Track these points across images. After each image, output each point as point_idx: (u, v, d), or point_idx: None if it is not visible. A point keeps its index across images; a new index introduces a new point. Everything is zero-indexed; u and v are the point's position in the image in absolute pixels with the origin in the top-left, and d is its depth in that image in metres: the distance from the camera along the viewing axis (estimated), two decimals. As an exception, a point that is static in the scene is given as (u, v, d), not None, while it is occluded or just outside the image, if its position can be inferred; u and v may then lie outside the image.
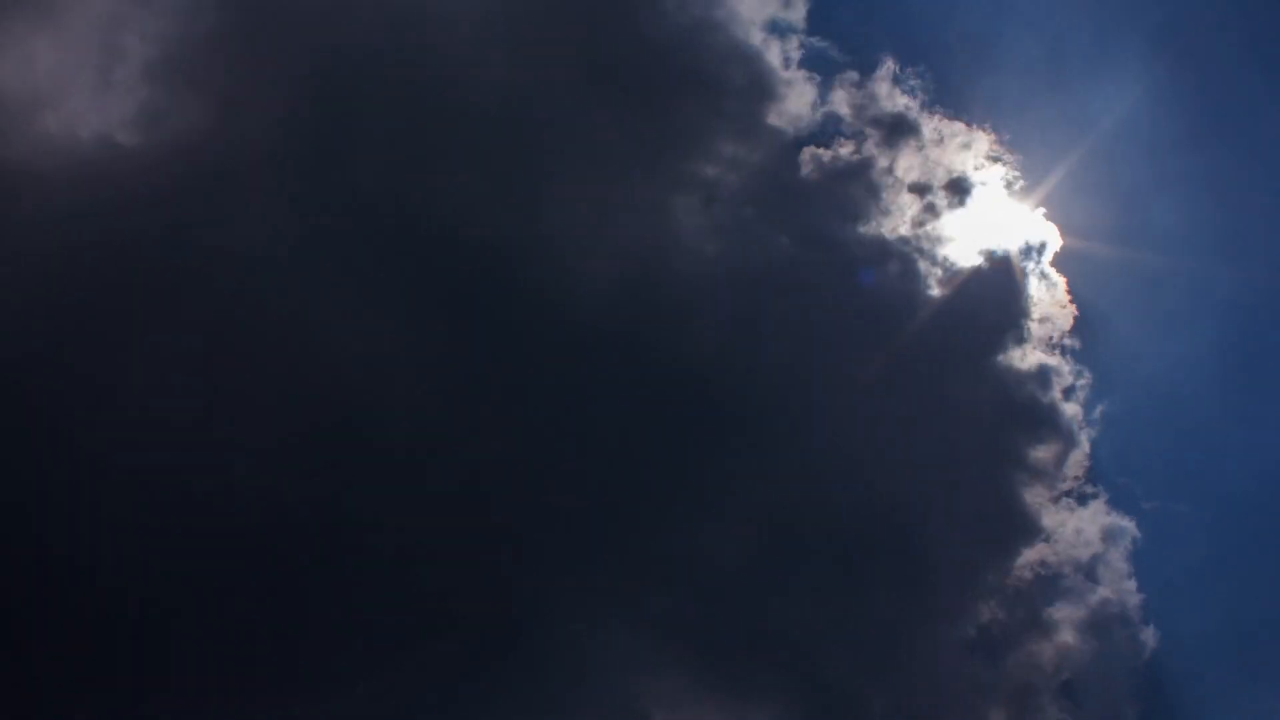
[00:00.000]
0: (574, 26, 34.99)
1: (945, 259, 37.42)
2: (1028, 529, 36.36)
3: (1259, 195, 42.01)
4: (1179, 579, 40.17)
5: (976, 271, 37.54)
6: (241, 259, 30.95)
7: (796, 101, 37.04)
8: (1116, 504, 37.95)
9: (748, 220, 36.21)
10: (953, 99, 38.42)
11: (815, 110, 37.45)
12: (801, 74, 37.28)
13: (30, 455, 29.43)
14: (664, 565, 32.90)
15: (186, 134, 31.58)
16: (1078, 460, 37.31)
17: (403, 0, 34.06)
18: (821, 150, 37.32)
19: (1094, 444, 38.18)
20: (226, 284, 30.89)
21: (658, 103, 35.84)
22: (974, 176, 38.20)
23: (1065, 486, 37.21)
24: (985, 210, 38.32)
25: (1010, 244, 37.97)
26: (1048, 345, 37.57)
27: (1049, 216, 38.49)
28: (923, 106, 38.16)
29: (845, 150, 37.62)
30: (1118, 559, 37.52)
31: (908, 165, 37.94)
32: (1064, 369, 37.68)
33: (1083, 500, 37.50)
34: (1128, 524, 37.78)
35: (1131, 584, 37.25)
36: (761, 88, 36.63)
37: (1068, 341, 37.82)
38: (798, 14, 37.39)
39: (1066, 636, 36.34)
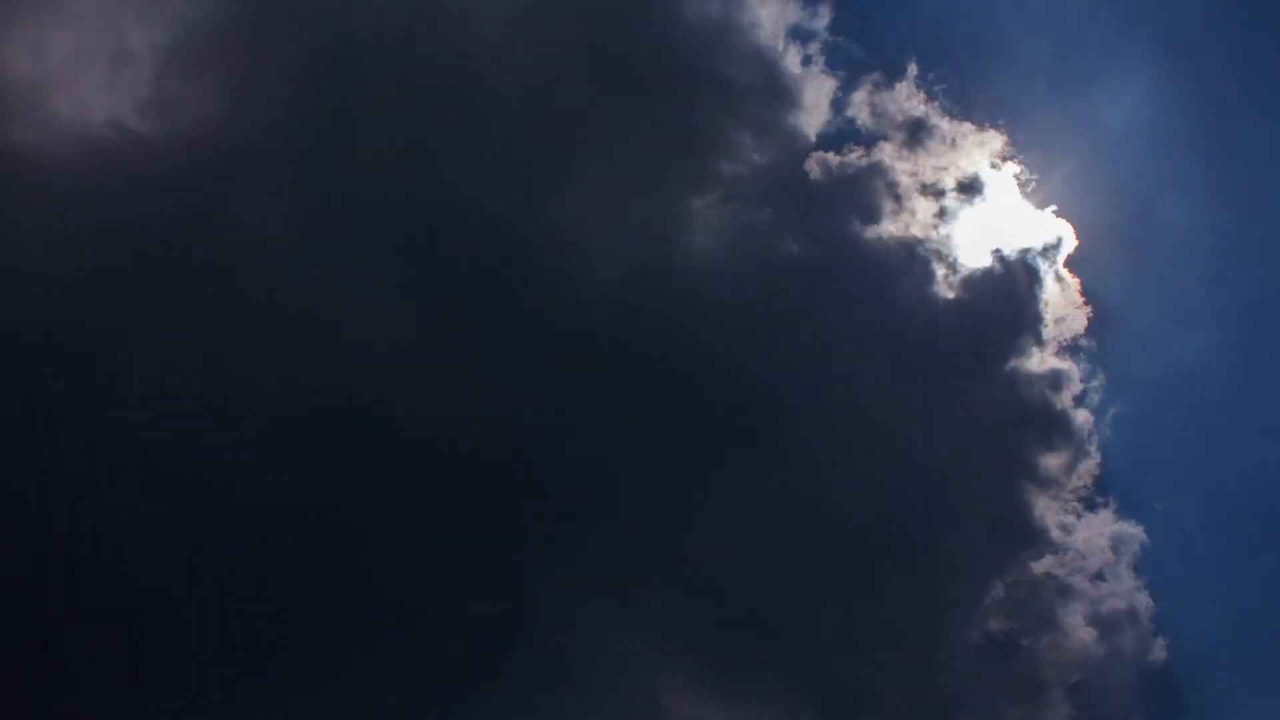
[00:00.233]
0: (589, 22, 35.02)
1: (958, 261, 37.44)
2: (1037, 534, 36.24)
3: (1272, 196, 41.86)
4: (1189, 584, 39.85)
5: (990, 273, 37.47)
6: (251, 246, 30.90)
7: (812, 103, 37.18)
8: (1127, 508, 37.83)
9: (760, 220, 36.25)
10: (966, 101, 38.50)
11: (830, 111, 37.57)
12: (817, 76, 37.44)
13: (37, 444, 29.30)
14: (672, 563, 32.85)
15: (198, 120, 31.56)
16: (1088, 464, 37.10)
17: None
18: (835, 152, 37.39)
19: (1106, 448, 38.07)
20: (236, 271, 30.80)
21: (673, 102, 35.91)
22: (987, 178, 38.18)
23: (1076, 491, 37.03)
24: (998, 212, 38.26)
25: (1024, 245, 37.85)
26: (1061, 347, 37.46)
27: (1063, 217, 38.36)
28: (936, 108, 38.24)
29: (859, 151, 37.63)
30: (1127, 563, 37.38)
31: (921, 167, 37.94)
32: (1077, 372, 37.61)
33: (1092, 505, 37.35)
34: (1137, 529, 37.63)
35: (1141, 588, 37.12)
36: (777, 89, 36.76)
37: (1082, 342, 37.78)
38: (816, 17, 37.67)
39: (1076, 640, 36.21)
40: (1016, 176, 38.18)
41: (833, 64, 37.48)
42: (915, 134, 37.91)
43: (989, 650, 35.31)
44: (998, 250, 37.51)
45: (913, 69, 38.06)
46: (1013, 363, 36.89)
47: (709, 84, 36.08)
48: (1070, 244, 37.87)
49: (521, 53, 34.21)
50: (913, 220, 37.43)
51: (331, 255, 31.78)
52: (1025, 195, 38.31)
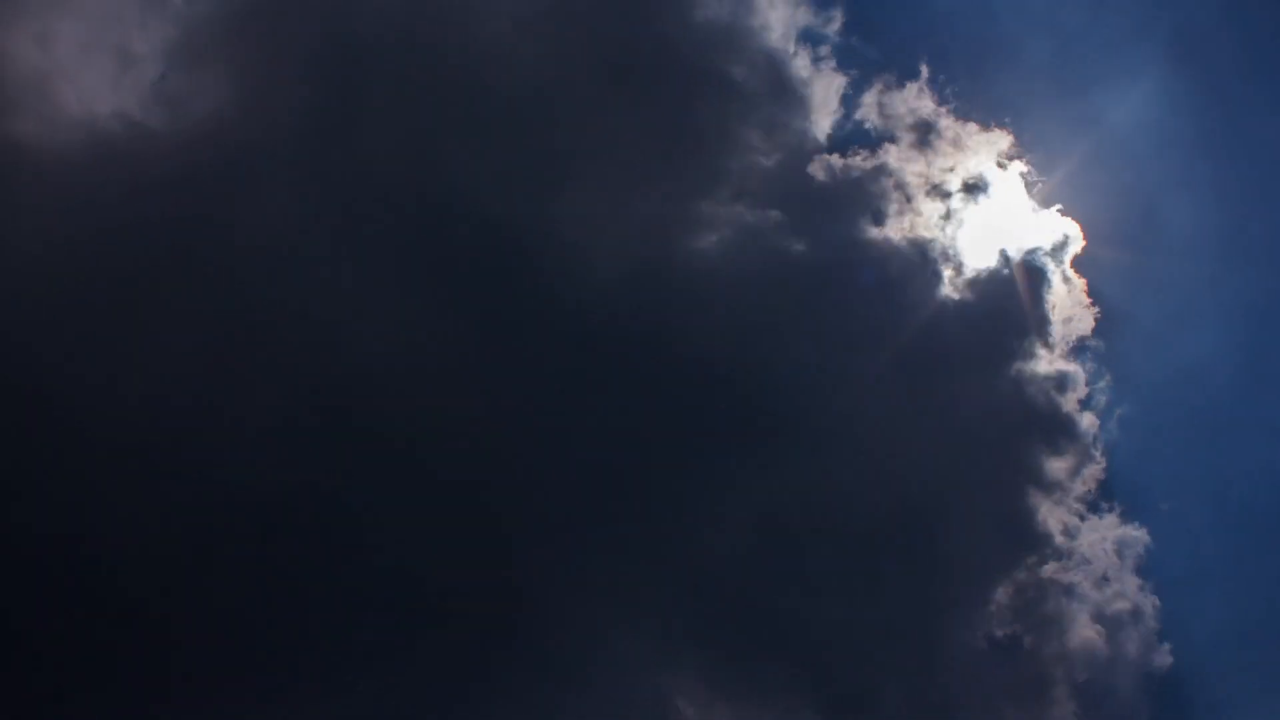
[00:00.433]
0: (597, 20, 35.03)
1: (964, 262, 37.31)
2: (1041, 537, 36.11)
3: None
4: (1195, 587, 39.70)
5: (996, 274, 37.31)
6: (254, 242, 30.83)
7: (819, 104, 37.20)
8: (1132, 511, 37.70)
9: (766, 221, 36.13)
10: (973, 101, 38.41)
11: (837, 113, 37.56)
12: (825, 77, 37.43)
13: (38, 439, 29.15)
14: (674, 562, 32.75)
15: (203, 114, 31.53)
16: (1094, 467, 36.97)
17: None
18: (842, 153, 37.36)
19: (1111, 450, 37.97)
20: (239, 267, 30.72)
21: (680, 102, 35.87)
22: (993, 178, 38.07)
23: (1081, 495, 36.88)
24: (1005, 213, 38.10)
25: (1030, 246, 37.72)
26: (1067, 348, 37.30)
27: (1070, 218, 38.18)
28: (943, 109, 38.18)
29: (866, 153, 37.59)
30: (1132, 566, 37.20)
31: (927, 168, 37.84)
32: (1083, 374, 37.49)
33: (1097, 508, 37.22)
34: (1141, 532, 37.49)
35: (1146, 591, 36.94)
36: (785, 90, 36.79)
37: (1089, 344, 37.65)
38: (825, 18, 37.73)
39: (1080, 644, 36.06)
40: (1023, 176, 38.18)
41: (841, 65, 37.63)
42: (922, 135, 37.93)
43: (993, 653, 35.22)
44: (1004, 251, 37.44)
45: (921, 70, 38.16)
46: (1019, 364, 36.81)
47: (716, 84, 36.14)
48: (1077, 244, 37.81)
49: (529, 51, 34.16)
50: (919, 221, 37.41)
51: (335, 252, 31.69)
52: (1032, 196, 38.32)
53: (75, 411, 29.78)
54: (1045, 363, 36.96)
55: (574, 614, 31.66)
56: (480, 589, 31.23)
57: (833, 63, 37.40)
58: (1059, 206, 38.13)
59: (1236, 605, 39.78)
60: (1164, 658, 36.36)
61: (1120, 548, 37.32)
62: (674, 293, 34.33)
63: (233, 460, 30.06)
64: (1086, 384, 37.43)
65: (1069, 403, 36.99)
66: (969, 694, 34.38)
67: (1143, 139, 40.86)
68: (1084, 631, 36.17)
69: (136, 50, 31.84)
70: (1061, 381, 36.96)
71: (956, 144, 37.85)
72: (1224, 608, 39.81)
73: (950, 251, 37.14)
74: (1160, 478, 40.34)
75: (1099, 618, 36.33)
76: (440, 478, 31.55)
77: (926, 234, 37.17)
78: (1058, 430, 36.73)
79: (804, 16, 37.23)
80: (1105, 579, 36.94)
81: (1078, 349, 37.49)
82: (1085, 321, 37.46)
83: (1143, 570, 37.11)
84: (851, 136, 37.57)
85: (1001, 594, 35.47)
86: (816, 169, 36.83)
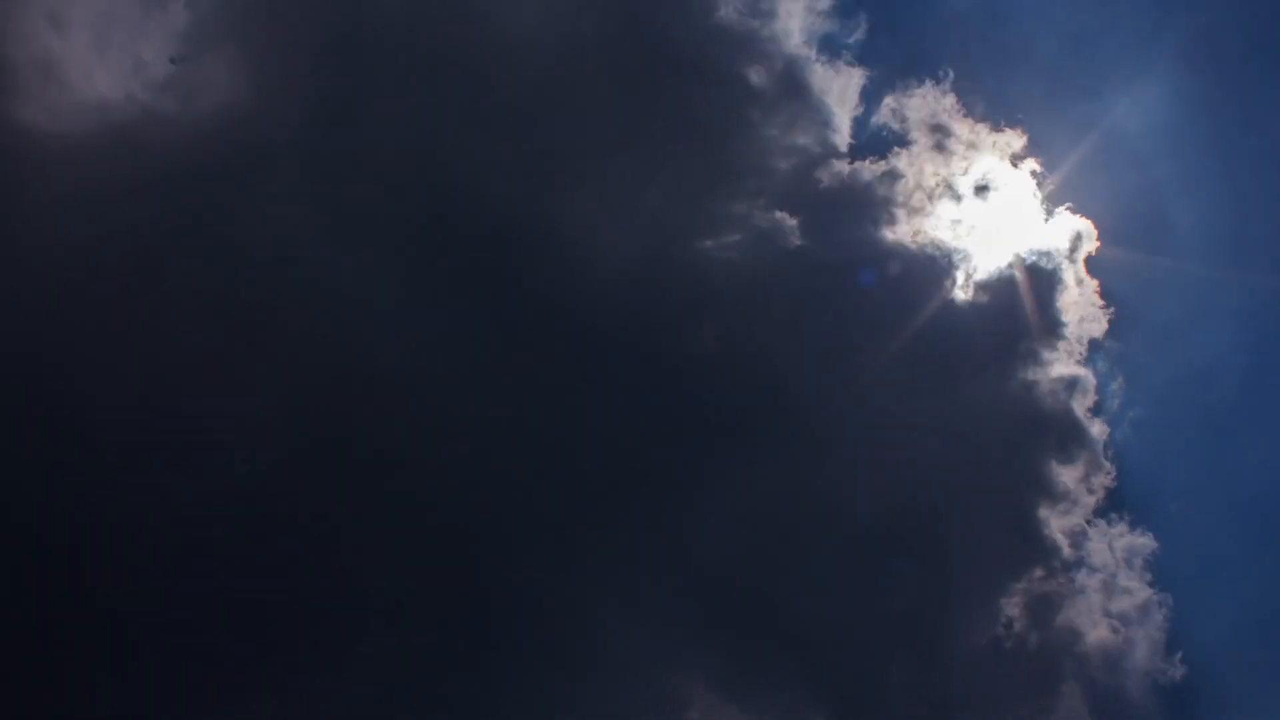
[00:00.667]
0: (614, 17, 35.02)
1: (976, 263, 37.05)
2: (1049, 541, 35.80)
3: (1293, 200, 41.56)
4: (1205, 594, 39.39)
5: (1007, 276, 37.07)
6: (262, 234, 30.79)
7: (833, 105, 37.04)
8: (1142, 516, 37.41)
9: (777, 222, 35.95)
10: (986, 102, 38.22)
11: (850, 114, 37.36)
12: (839, 78, 37.28)
13: (41, 434, 29.04)
14: (682, 560, 32.57)
15: (215, 101, 31.57)
16: (1104, 471, 36.68)
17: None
18: (854, 153, 37.28)
19: (1122, 455, 37.75)
20: (246, 258, 30.70)
21: (695, 102, 35.78)
22: (1006, 179, 37.84)
23: (1090, 500, 36.54)
24: (1017, 213, 37.87)
25: (1043, 248, 37.45)
26: (1080, 350, 37.06)
27: (1082, 219, 37.93)
28: (956, 110, 37.99)
29: (878, 153, 37.50)
30: (1142, 572, 36.91)
31: (940, 169, 37.65)
32: (1094, 376, 37.26)
33: (1106, 513, 36.94)
34: (1149, 538, 37.20)
35: (1156, 597, 36.57)
36: (799, 91, 36.70)
37: (1101, 346, 37.40)
38: (840, 21, 37.71)
39: (1089, 650, 35.73)
40: (1035, 177, 37.96)
41: (854, 67, 37.47)
42: (935, 136, 37.81)
43: (1001, 657, 34.90)
44: (1017, 253, 37.24)
45: (934, 72, 38.03)
46: (1030, 367, 36.57)
47: (729, 85, 36.06)
48: (1090, 246, 37.54)
49: (542, 45, 34.12)
50: (931, 223, 37.21)
51: (343, 245, 31.58)
52: (1044, 197, 38.07)
53: (77, 404, 29.65)
54: (1056, 366, 36.76)
55: (580, 613, 31.54)
56: (484, 587, 31.20)
57: (847, 64, 37.45)
58: (1072, 207, 37.99)
59: (1248, 612, 39.46)
60: (1175, 667, 36.11)
61: (1129, 554, 37.11)
62: (684, 291, 34.23)
63: (236, 452, 30.04)
64: (1097, 387, 37.24)
65: (1079, 405, 36.82)
66: (976, 696, 34.17)
67: (1155, 140, 40.82)
68: (1093, 638, 35.95)
69: (149, 36, 31.95)
70: (1072, 384, 36.77)
71: (969, 145, 37.81)
72: (1236, 615, 39.52)
73: (962, 253, 36.96)
74: (1171, 483, 40.10)
75: (1108, 625, 36.16)
76: (445, 475, 31.48)
77: (939, 235, 36.98)
78: (1068, 434, 36.54)
79: (819, 19, 37.37)
80: (1114, 584, 36.69)
81: (1090, 351, 37.28)
82: (1098, 323, 37.26)
83: (1153, 576, 36.84)
84: (864, 138, 37.67)
85: (1010, 597, 35.26)
86: (828, 170, 36.82)
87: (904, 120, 37.96)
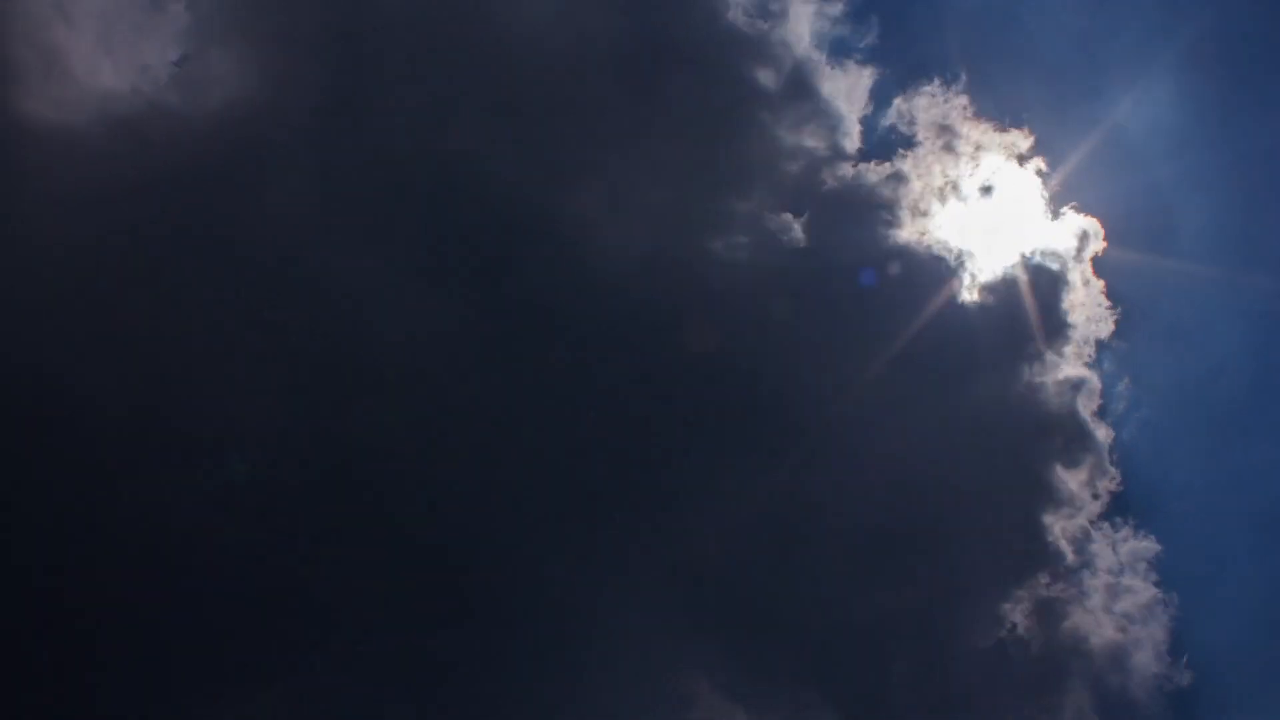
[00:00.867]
0: (627, 14, 34.95)
1: (982, 264, 36.93)
2: (1054, 545, 35.68)
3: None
4: (1210, 596, 39.28)
5: (1013, 277, 36.97)
6: (264, 229, 30.69)
7: (839, 105, 37.01)
8: (1147, 520, 37.27)
9: (783, 222, 35.93)
10: (992, 103, 38.18)
11: (856, 114, 37.32)
12: (847, 79, 37.32)
13: (44, 430, 28.83)
14: (688, 557, 32.47)
15: (222, 94, 31.57)
16: (1109, 474, 36.57)
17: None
18: (860, 154, 37.17)
19: (1127, 457, 37.64)
20: (253, 244, 30.62)
21: (705, 100, 35.71)
22: (1012, 179, 37.80)
23: (1096, 504, 36.41)
24: (1023, 214, 37.86)
25: (1049, 248, 37.38)
26: (1085, 351, 36.93)
27: (1088, 220, 37.81)
28: (962, 110, 37.96)
29: (884, 154, 37.48)
30: (1147, 576, 36.81)
31: (945, 169, 37.63)
32: (1100, 377, 37.17)
33: (1111, 516, 36.82)
34: (1153, 542, 37.07)
35: (1161, 599, 36.50)
36: (807, 92, 36.67)
37: (1106, 347, 37.30)
38: (847, 22, 37.79)
39: (1094, 652, 35.65)
40: (1041, 177, 37.91)
41: (862, 68, 37.53)
42: (942, 137, 37.77)
43: (1004, 661, 34.71)
44: (1023, 253, 37.20)
45: (942, 73, 38.01)
46: (1036, 368, 36.48)
47: (740, 86, 36.03)
48: (1096, 246, 37.46)
49: (551, 43, 34.07)
50: (937, 223, 37.13)
51: (350, 239, 31.51)
52: (1050, 197, 38.02)
53: (79, 401, 29.43)
54: (1062, 367, 36.67)
55: (583, 612, 31.42)
56: (487, 586, 31.06)
57: (855, 65, 37.52)
58: (1079, 207, 37.93)
59: (1254, 615, 39.32)
60: (1181, 671, 35.98)
61: (1134, 558, 36.97)
62: (690, 291, 34.12)
63: (239, 449, 29.87)
64: (1103, 389, 37.16)
65: (1085, 408, 36.73)
66: (980, 699, 34.14)
67: (1162, 140, 40.78)
68: (1098, 641, 35.87)
69: (155, 30, 31.90)
70: (1078, 387, 36.71)
71: (975, 145, 37.76)
72: (1241, 618, 39.36)
73: (969, 254, 36.85)
74: (1176, 486, 39.96)
75: (1113, 628, 36.10)
76: (448, 472, 31.38)
77: (945, 236, 36.95)
78: (1073, 437, 36.45)
79: (828, 20, 37.46)
80: (1119, 588, 36.55)
81: (1095, 352, 37.16)
82: (1104, 324, 37.15)
83: (1158, 579, 36.70)
84: (871, 139, 37.60)
85: (1014, 600, 35.13)
86: (835, 171, 36.78)
87: (911, 121, 38.04)
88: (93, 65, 30.91)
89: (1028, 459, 36.15)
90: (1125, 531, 37.12)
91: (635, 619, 31.68)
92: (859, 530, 33.90)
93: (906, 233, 36.68)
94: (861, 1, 38.08)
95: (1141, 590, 36.62)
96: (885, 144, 37.50)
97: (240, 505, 29.76)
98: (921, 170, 37.43)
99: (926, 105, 37.87)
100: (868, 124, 37.31)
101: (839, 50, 37.30)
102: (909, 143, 37.63)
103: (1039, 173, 37.71)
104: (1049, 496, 35.87)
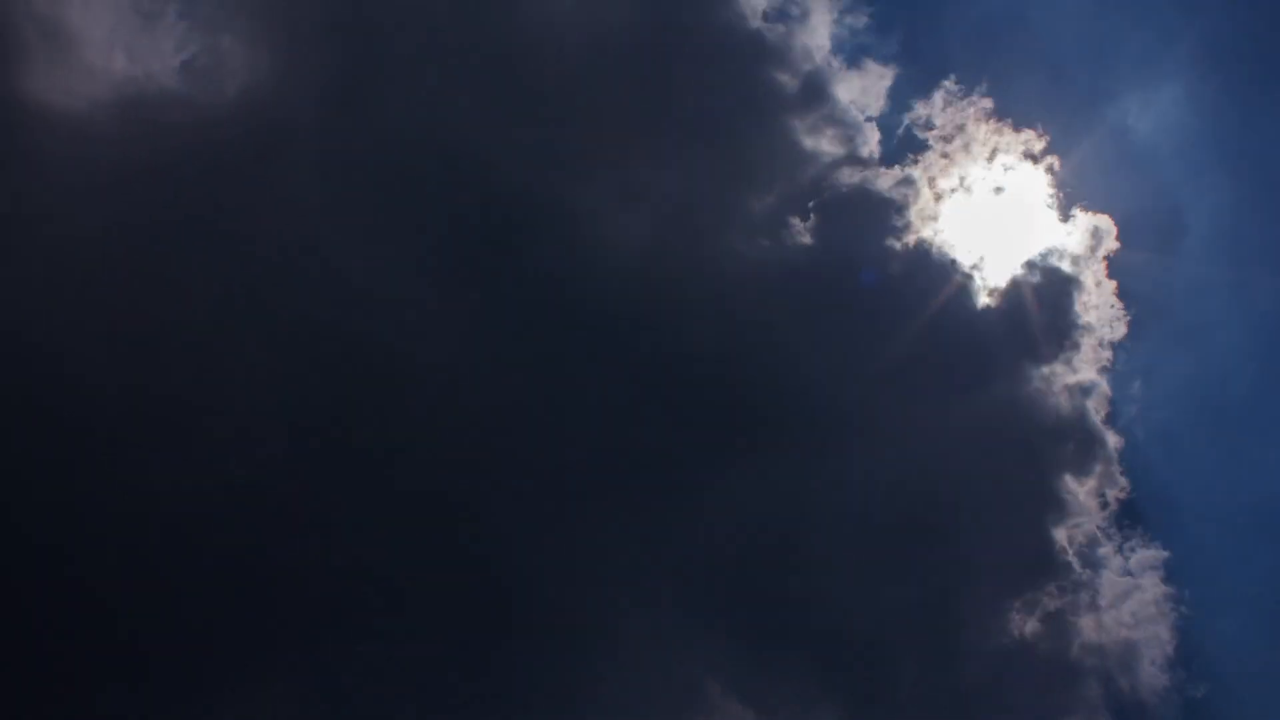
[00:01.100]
0: (642, 12, 35.01)
1: (993, 266, 36.77)
2: (1061, 553, 35.32)
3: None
4: (1219, 603, 38.92)
5: (1024, 279, 36.81)
6: (278, 210, 30.60)
7: (850, 105, 37.08)
8: (1156, 524, 37.05)
9: (795, 223, 35.85)
10: (1004, 104, 38.15)
11: (867, 113, 37.36)
12: (857, 81, 37.41)
13: (43, 425, 28.61)
14: (694, 555, 32.30)
15: (233, 82, 31.47)
16: (1118, 479, 36.29)
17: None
18: (870, 154, 37.07)
19: (1138, 462, 37.35)
20: (261, 234, 30.44)
21: (716, 101, 35.70)
22: (1025, 180, 37.74)
23: (1105, 512, 36.20)
24: (1035, 215, 37.83)
25: (1061, 248, 37.23)
26: (1097, 354, 36.70)
27: (1101, 221, 37.61)
28: (975, 112, 37.93)
29: (895, 154, 37.51)
30: (1155, 582, 36.41)
31: (958, 170, 37.59)
32: (1111, 380, 36.95)
33: (1120, 521, 36.50)
34: (1162, 550, 36.76)
35: (1170, 608, 36.09)
36: (817, 93, 36.63)
37: (1122, 347, 37.03)
38: (860, 24, 37.92)
39: (1101, 659, 35.19)
40: (1054, 177, 37.77)
41: (878, 70, 37.60)
42: (954, 138, 37.77)
43: (1010, 667, 34.34)
44: (1034, 255, 37.07)
45: (956, 75, 38.02)
46: (1047, 369, 36.23)
47: (757, 87, 36.08)
48: (1109, 247, 37.28)
49: (565, 36, 34.06)
50: (950, 224, 37.02)
51: (358, 231, 31.32)
52: (1062, 198, 37.91)
53: (84, 391, 29.24)
54: (1073, 371, 36.54)
55: (591, 606, 31.28)
56: (495, 581, 30.87)
57: (870, 68, 37.62)
58: (1091, 209, 37.77)
59: (1267, 625, 38.95)
60: (1190, 681, 35.68)
61: (1143, 566, 36.70)
62: (702, 289, 34.07)
63: (246, 442, 29.68)
64: (1114, 391, 36.98)
65: (1095, 411, 36.58)
66: (988, 701, 33.73)
67: (1175, 141, 40.76)
68: (1106, 649, 35.51)
69: (167, 16, 31.83)
70: (1089, 390, 36.61)
71: (987, 146, 37.69)
72: (1253, 627, 39.01)
73: (981, 255, 36.73)
74: (1186, 492, 39.69)
75: (1121, 634, 35.66)
76: (457, 466, 31.22)
77: (958, 237, 36.81)
78: (1083, 442, 36.18)
79: (845, 24, 37.70)
80: (1128, 593, 36.23)
81: (1108, 354, 36.91)
82: (1116, 326, 36.95)
83: (1168, 587, 36.38)
84: (884, 140, 37.57)
85: (1022, 601, 34.82)
86: (849, 172, 36.66)
87: (924, 123, 38.08)
88: (103, 52, 30.87)
89: (1037, 463, 35.90)
90: (1134, 539, 36.92)
91: (643, 618, 31.50)
92: (867, 531, 33.72)
93: (917, 234, 36.61)
94: (878, 5, 38.09)
95: (1150, 598, 36.33)
96: (899, 146, 37.66)
97: (247, 502, 29.51)
98: (934, 172, 37.46)
99: (940, 107, 38.03)
100: (881, 125, 37.48)
101: (855, 52, 37.59)
102: (922, 145, 37.78)
103: (1051, 173, 37.71)
104: (1057, 503, 35.65)
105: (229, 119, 30.83)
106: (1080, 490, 35.86)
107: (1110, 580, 36.09)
